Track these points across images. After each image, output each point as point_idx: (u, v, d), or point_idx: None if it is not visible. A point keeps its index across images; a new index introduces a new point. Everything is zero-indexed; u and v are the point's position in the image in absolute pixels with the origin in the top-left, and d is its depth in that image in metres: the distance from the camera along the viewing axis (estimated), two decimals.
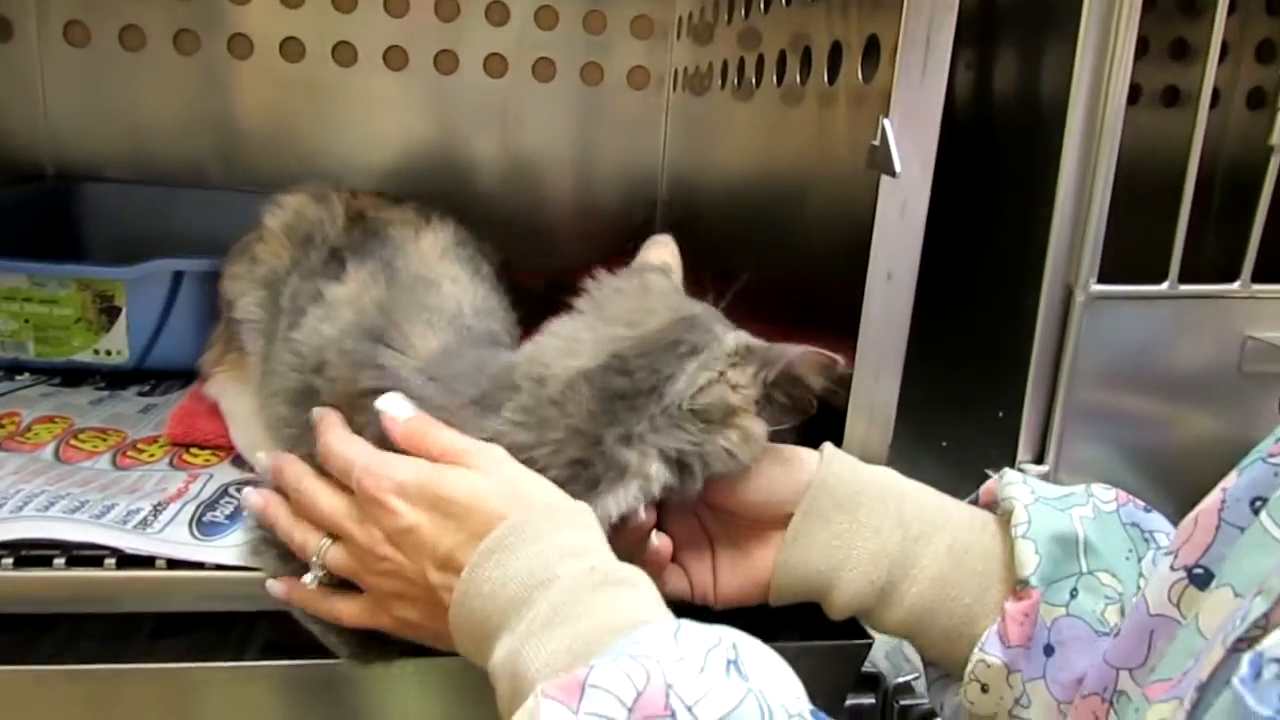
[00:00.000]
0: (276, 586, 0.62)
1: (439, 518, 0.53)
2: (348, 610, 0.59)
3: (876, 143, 0.65)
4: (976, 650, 0.57)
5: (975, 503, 0.64)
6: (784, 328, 0.94)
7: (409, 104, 1.32)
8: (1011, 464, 0.71)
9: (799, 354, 0.56)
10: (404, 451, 0.57)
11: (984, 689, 0.57)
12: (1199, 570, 0.48)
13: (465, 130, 1.35)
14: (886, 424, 0.71)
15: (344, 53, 1.29)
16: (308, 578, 0.60)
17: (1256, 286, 0.70)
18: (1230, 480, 0.49)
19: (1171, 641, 0.48)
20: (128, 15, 1.24)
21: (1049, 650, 0.55)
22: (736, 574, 0.63)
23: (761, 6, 0.99)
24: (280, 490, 0.64)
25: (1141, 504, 0.60)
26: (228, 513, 0.70)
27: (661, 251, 0.69)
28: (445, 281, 0.69)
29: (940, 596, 0.58)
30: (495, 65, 1.33)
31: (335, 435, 0.60)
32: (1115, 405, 0.71)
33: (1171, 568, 0.49)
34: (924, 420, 0.73)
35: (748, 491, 0.60)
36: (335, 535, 0.59)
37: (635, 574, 0.50)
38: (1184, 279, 0.70)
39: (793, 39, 0.90)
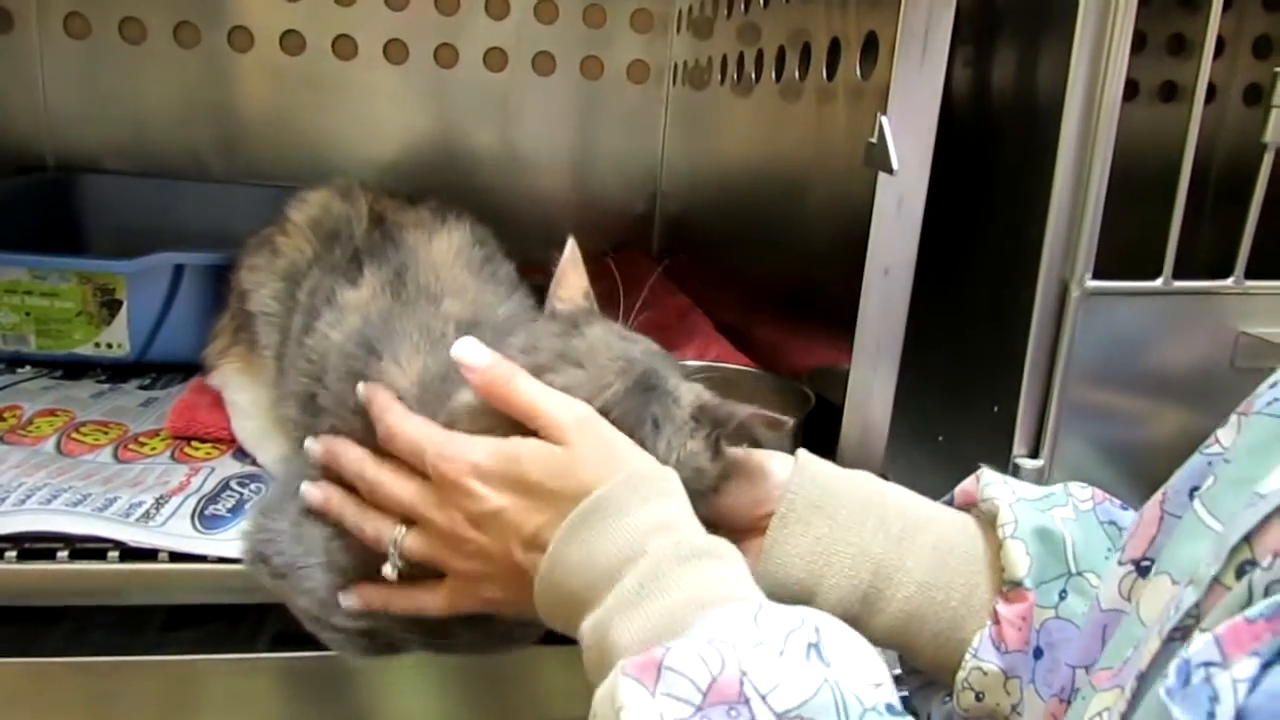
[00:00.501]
0: (350, 598, 0.59)
1: (522, 498, 0.51)
2: (432, 600, 0.57)
3: (874, 140, 0.65)
4: (970, 656, 0.55)
5: (950, 503, 0.63)
6: (782, 320, 0.95)
7: (409, 97, 1.33)
8: (1007, 458, 0.72)
9: (747, 416, 0.56)
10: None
11: (978, 697, 0.56)
12: (1145, 562, 0.48)
13: (465, 123, 1.35)
14: (883, 418, 0.71)
15: (344, 46, 1.29)
16: (386, 569, 0.56)
17: (1250, 283, 0.71)
18: (1175, 475, 0.49)
19: (1116, 631, 0.48)
20: (128, 7, 1.24)
21: (1038, 653, 0.54)
22: None
23: (761, 2, 0.99)
24: (335, 479, 0.60)
25: (1118, 502, 0.59)
26: (230, 505, 0.71)
27: (576, 278, 0.64)
28: (447, 299, 0.68)
29: (927, 600, 0.56)
30: (495, 59, 1.33)
31: (397, 414, 0.57)
32: (1110, 400, 0.72)
33: (1120, 562, 0.49)
34: (920, 414, 0.74)
35: (723, 508, 0.58)
36: (410, 521, 0.57)
37: (722, 546, 0.49)
38: (1179, 274, 0.71)
39: (792, 35, 0.90)
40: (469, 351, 0.54)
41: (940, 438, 0.70)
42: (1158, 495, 0.48)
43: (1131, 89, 0.66)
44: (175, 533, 0.67)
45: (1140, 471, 0.72)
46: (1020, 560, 0.55)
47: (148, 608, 0.69)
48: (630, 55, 1.36)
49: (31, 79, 1.25)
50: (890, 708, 0.39)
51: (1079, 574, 0.55)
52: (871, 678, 0.41)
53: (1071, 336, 0.69)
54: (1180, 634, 0.39)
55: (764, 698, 0.38)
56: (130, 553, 0.65)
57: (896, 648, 0.59)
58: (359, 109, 1.32)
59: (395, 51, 1.31)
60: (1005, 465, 0.72)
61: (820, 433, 0.74)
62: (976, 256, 0.77)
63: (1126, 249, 0.69)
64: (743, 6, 1.06)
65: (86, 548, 0.65)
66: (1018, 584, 0.54)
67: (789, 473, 0.59)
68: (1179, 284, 0.70)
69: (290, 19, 1.27)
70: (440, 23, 1.30)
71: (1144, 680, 0.40)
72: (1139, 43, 0.65)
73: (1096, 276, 0.69)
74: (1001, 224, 0.74)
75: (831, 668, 0.40)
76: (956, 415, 0.75)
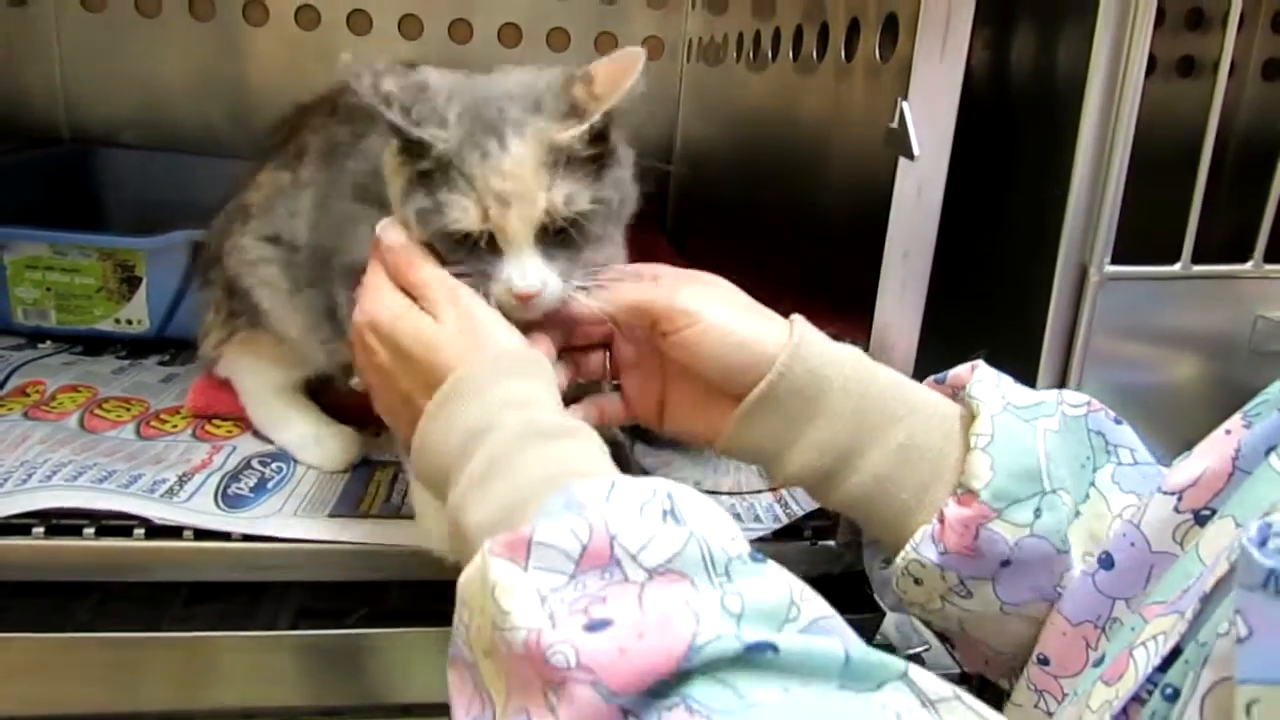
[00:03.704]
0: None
1: (399, 360, 0.56)
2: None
3: (894, 125, 0.65)
4: (909, 548, 0.57)
5: (942, 383, 0.63)
6: (797, 300, 0.95)
7: None
8: None
9: None
10: None
11: (917, 582, 0.58)
12: (1206, 512, 0.49)
13: None
14: None
15: (359, 21, 1.29)
16: (354, 381, 0.66)
17: (1268, 266, 0.71)
18: (1237, 427, 0.50)
19: (1169, 570, 0.49)
20: None
21: (1006, 563, 0.55)
22: (685, 419, 0.64)
23: None
24: None
25: (1112, 414, 0.60)
26: (252, 484, 0.72)
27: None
28: None
29: (880, 491, 0.58)
30: (509, 35, 1.33)
31: (373, 258, 0.61)
32: (1127, 382, 0.72)
33: (1176, 510, 0.50)
34: None
35: (702, 368, 0.60)
36: None
37: (575, 427, 0.51)
38: (1196, 252, 0.71)
39: (809, 13, 0.90)
40: (387, 233, 0.59)
41: None
42: (1226, 449, 0.49)
43: (1150, 64, 0.66)
44: (199, 509, 0.68)
45: (1158, 453, 0.72)
46: (981, 472, 0.55)
47: (172, 583, 0.70)
48: (645, 31, 1.36)
49: (48, 52, 1.25)
50: (752, 555, 0.41)
51: (1053, 491, 0.56)
52: (727, 532, 0.42)
53: (1090, 319, 0.69)
54: None
55: (634, 556, 0.39)
56: (156, 530, 0.66)
57: (848, 515, 0.62)
58: None
59: (410, 27, 1.30)
60: None
61: None
62: (995, 239, 0.77)
63: (1140, 222, 0.69)
64: None
65: (113, 524, 0.66)
66: (972, 491, 0.55)
67: (779, 344, 0.59)
68: (1198, 268, 0.70)
69: None
70: None
71: (1207, 602, 0.41)
72: (1158, 17, 0.65)
73: (1115, 259, 0.69)
74: (1021, 207, 0.74)
75: (690, 525, 0.42)
76: None
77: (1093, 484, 0.58)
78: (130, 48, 1.26)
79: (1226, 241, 0.72)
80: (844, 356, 0.60)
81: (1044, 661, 0.56)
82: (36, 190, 1.16)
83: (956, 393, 0.61)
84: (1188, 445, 0.54)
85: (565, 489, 0.43)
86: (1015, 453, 0.56)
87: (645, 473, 0.75)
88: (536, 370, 0.54)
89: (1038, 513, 0.55)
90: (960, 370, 0.62)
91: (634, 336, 0.64)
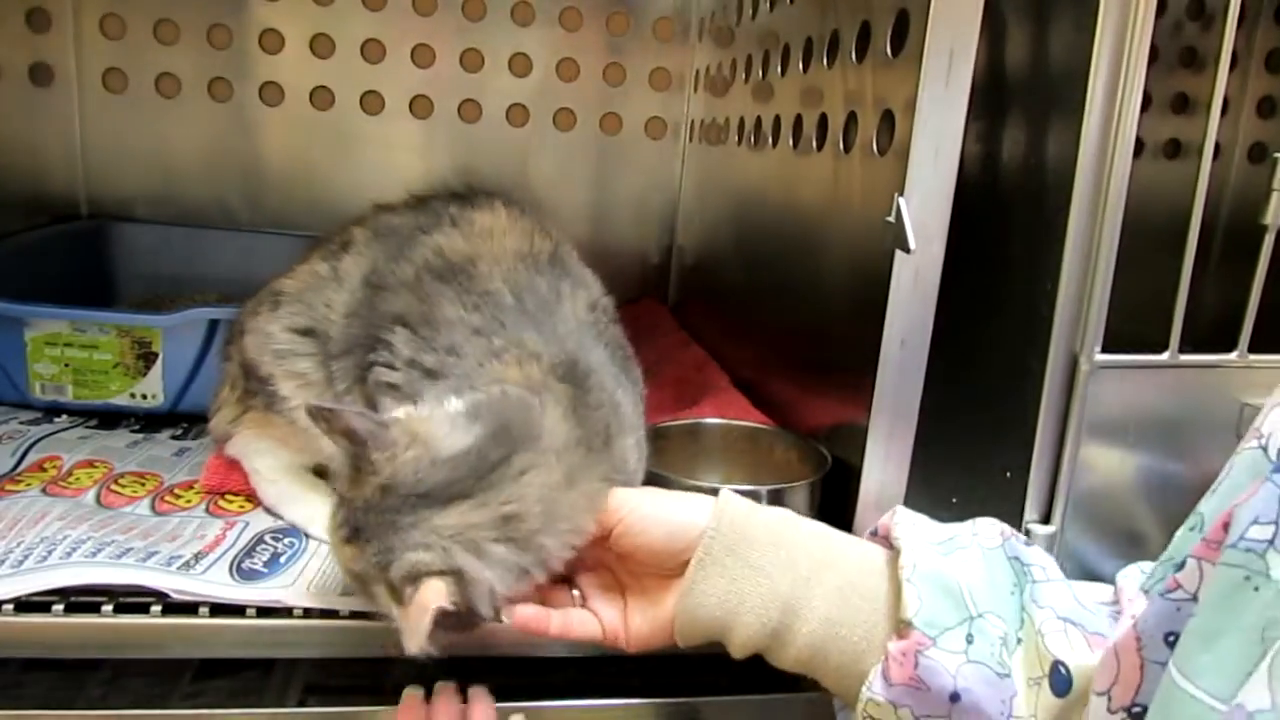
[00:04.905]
0: None
1: None
2: None
3: (891, 219, 0.68)
4: (865, 689, 0.60)
5: (875, 534, 0.67)
6: (798, 374, 0.97)
7: (433, 150, 1.37)
8: (1019, 523, 0.73)
9: None
10: None
11: None
12: (1137, 709, 0.50)
13: (487, 176, 1.39)
14: (899, 482, 0.74)
15: (371, 101, 1.33)
16: None
17: (1253, 356, 0.73)
18: (1139, 606, 0.52)
19: None
20: (164, 64, 1.29)
21: (955, 697, 0.57)
22: (645, 619, 0.66)
23: (778, 69, 1.02)
24: None
25: (1022, 538, 0.64)
26: (265, 560, 0.73)
27: None
28: None
29: (830, 635, 0.61)
30: (517, 114, 1.37)
31: None
32: (1119, 468, 0.74)
33: (1109, 710, 0.51)
34: (935, 478, 0.76)
35: (644, 553, 0.65)
36: None
37: None
38: (1185, 335, 0.73)
39: (807, 104, 0.93)
40: None
41: (954, 500, 0.73)
42: (1128, 637, 0.50)
43: (1137, 146, 0.69)
44: (215, 580, 0.69)
45: (1149, 538, 0.74)
46: (910, 602, 0.59)
47: (182, 658, 0.71)
48: (648, 112, 1.40)
49: (69, 131, 1.29)
50: None
51: (980, 616, 0.59)
52: None
53: (1081, 406, 0.71)
54: None
55: None
56: (171, 607, 0.67)
57: (807, 674, 0.63)
58: (384, 161, 1.35)
59: (421, 107, 1.35)
60: (1018, 530, 0.74)
61: (836, 492, 0.77)
62: (990, 327, 0.80)
63: (1131, 298, 0.71)
64: (760, 71, 1.09)
65: (130, 601, 0.67)
66: (907, 623, 0.58)
67: (708, 513, 0.64)
68: (1185, 357, 0.72)
69: (320, 76, 1.31)
70: (465, 79, 1.35)
71: None
72: (1144, 102, 0.68)
73: (1105, 347, 0.71)
74: (1014, 297, 0.77)
75: None
76: (971, 480, 0.77)
77: (1022, 609, 0.61)
78: (149, 127, 1.31)
79: (1221, 320, 0.74)
80: (769, 513, 0.66)
81: None
82: (55, 264, 1.19)
83: (887, 539, 0.65)
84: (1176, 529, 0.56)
85: None
86: (938, 582, 0.59)
87: None
88: None
89: (969, 639, 0.58)
90: (885, 519, 0.67)
91: (592, 563, 0.69)
